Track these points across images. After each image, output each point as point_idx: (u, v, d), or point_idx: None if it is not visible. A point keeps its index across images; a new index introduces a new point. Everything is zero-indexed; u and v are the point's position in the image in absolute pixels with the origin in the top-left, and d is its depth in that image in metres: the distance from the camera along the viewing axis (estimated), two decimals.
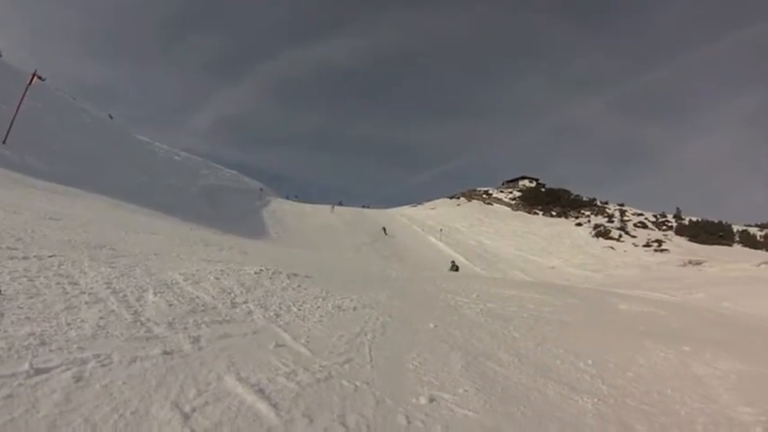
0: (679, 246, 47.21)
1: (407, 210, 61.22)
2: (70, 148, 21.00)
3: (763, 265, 19.32)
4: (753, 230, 55.88)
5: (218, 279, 4.98)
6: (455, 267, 21.47)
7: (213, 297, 4.27)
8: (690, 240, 51.35)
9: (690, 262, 32.78)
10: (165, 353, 2.73)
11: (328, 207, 46.76)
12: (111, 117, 41.63)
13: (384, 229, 39.07)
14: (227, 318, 3.77)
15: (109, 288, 3.81)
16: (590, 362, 4.24)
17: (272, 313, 4.18)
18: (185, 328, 3.26)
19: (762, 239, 51.97)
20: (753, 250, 47.18)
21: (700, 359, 4.64)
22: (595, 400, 3.32)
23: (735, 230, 55.05)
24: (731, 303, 10.79)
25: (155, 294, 3.92)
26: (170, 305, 3.74)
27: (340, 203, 56.68)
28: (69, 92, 38.45)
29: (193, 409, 2.15)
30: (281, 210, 40.80)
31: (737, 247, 49.71)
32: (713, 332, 6.56)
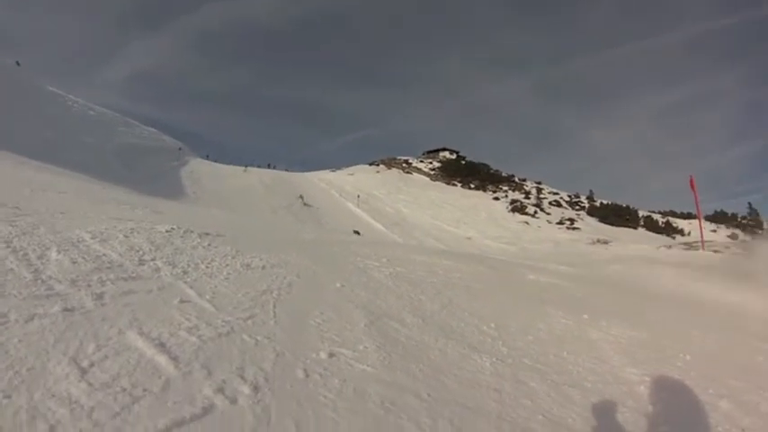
0: (589, 225, 50.22)
1: (326, 174, 61.13)
2: None
3: (661, 248, 20.93)
4: (656, 217, 60.38)
5: (127, 237, 4.83)
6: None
7: (120, 255, 4.15)
8: (600, 221, 54.67)
9: (598, 240, 34.88)
10: (66, 310, 2.69)
11: (250, 169, 46.45)
12: (18, 64, 38.09)
13: (302, 197, 38.83)
14: (134, 275, 3.69)
15: (8, 247, 3.67)
16: (492, 325, 4.43)
17: (179, 270, 4.11)
18: (89, 286, 3.19)
19: (663, 225, 56.29)
20: (655, 234, 51.07)
21: (596, 326, 4.97)
22: (494, 359, 3.50)
23: (640, 215, 59.17)
24: (630, 279, 11.65)
25: (58, 252, 3.77)
26: (74, 263, 3.62)
27: (269, 166, 56.21)
28: None
29: (92, 364, 2.18)
30: (200, 170, 40.19)
31: (642, 231, 53.54)
32: (611, 303, 7.08)
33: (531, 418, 2.64)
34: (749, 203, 68.43)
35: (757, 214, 62.95)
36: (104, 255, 4.05)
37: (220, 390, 2.19)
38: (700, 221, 23.11)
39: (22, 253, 3.59)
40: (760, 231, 53.65)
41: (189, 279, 3.92)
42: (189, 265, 4.35)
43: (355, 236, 13.90)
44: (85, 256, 3.85)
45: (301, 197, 38.78)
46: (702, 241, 18.86)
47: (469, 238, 33.43)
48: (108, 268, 3.69)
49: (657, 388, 3.43)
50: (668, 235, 51.66)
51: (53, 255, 3.70)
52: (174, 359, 2.38)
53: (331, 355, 2.92)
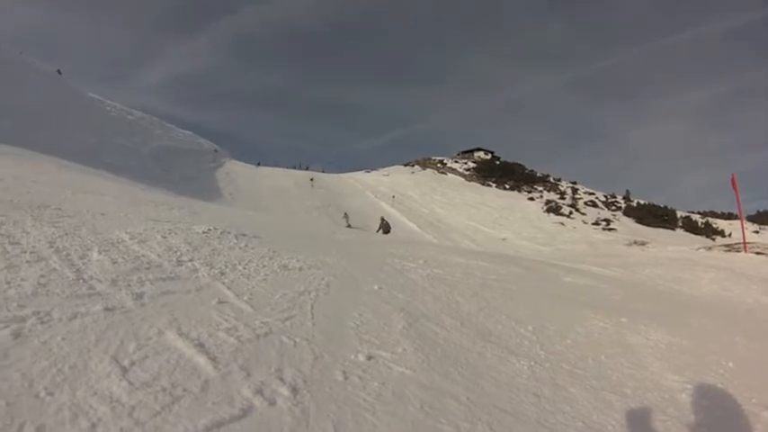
0: (626, 226, 49.06)
1: (361, 175, 61.34)
2: (14, 106, 20.02)
3: (701, 250, 20.29)
4: (695, 217, 58.60)
5: (165, 238, 4.91)
6: (385, 228, 21.28)
7: (159, 255, 4.22)
8: (636, 222, 53.38)
9: (635, 242, 34.06)
10: (107, 309, 2.74)
11: (288, 171, 47.83)
12: (59, 72, 39.41)
13: (312, 179, 40.36)
14: (172, 275, 3.74)
15: (52, 247, 3.75)
16: (530, 328, 4.39)
17: (216, 271, 4.15)
18: (128, 285, 3.25)
19: (702, 226, 54.63)
20: (693, 235, 49.56)
21: (634, 330, 4.87)
22: (532, 363, 3.47)
23: (678, 216, 57.58)
24: (669, 282, 11.35)
25: (99, 253, 3.85)
26: (114, 263, 3.69)
27: (307, 168, 57.60)
28: (9, 41, 36.37)
29: (132, 363, 2.21)
30: (235, 171, 40.90)
31: (680, 232, 52.05)
32: (650, 306, 6.90)
33: (570, 424, 2.61)
34: None
35: None
36: (143, 255, 4.12)
37: (259, 391, 2.21)
38: (741, 222, 22.26)
39: (64, 253, 3.68)
40: None
41: (226, 280, 3.96)
42: (226, 266, 4.40)
43: (391, 236, 13.90)
44: (125, 257, 3.93)
45: (311, 180, 39.97)
46: (744, 243, 18.20)
47: (504, 239, 33.08)
48: (147, 268, 3.76)
49: (699, 396, 3.34)
50: (708, 236, 50.08)
51: (94, 255, 3.79)
52: (213, 360, 2.41)
53: (369, 357, 2.93)
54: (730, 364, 4.16)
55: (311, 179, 41.02)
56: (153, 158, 31.97)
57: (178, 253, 4.47)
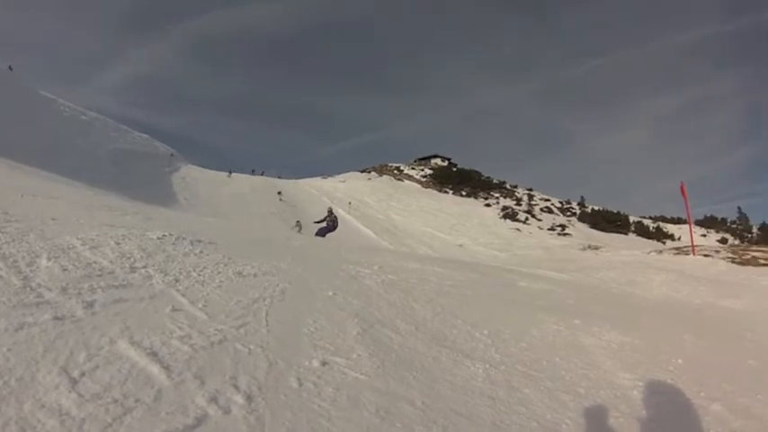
0: (581, 231, 50.57)
1: (317, 181, 61.21)
2: None
3: (652, 253, 21.06)
4: (647, 222, 60.93)
5: (118, 244, 4.75)
6: (330, 223, 20.43)
7: (111, 262, 4.09)
8: (591, 227, 55.07)
9: (589, 246, 34.99)
10: (56, 318, 2.65)
11: (241, 175, 47.26)
12: (10, 69, 37.82)
13: (279, 193, 39.80)
14: (125, 282, 3.64)
15: None
16: (485, 332, 4.45)
17: (171, 278, 4.06)
18: (79, 293, 3.14)
19: (653, 230, 56.74)
20: (645, 240, 51.53)
21: (588, 331, 5.02)
22: (487, 366, 3.53)
23: (631, 221, 59.63)
24: (621, 284, 11.74)
25: (48, 259, 3.70)
26: (64, 270, 3.55)
27: (262, 173, 57.04)
28: None
29: (82, 374, 2.16)
30: (192, 176, 40.30)
31: (632, 236, 54.00)
32: (603, 308, 7.12)
33: (524, 424, 2.66)
34: (738, 208, 69.33)
35: (746, 218, 63.74)
36: (95, 262, 3.99)
37: (213, 399, 2.18)
38: (690, 226, 23.32)
39: (11, 260, 3.52)
40: (748, 235, 54.26)
41: (181, 287, 3.88)
42: (181, 273, 4.31)
43: (346, 243, 13.82)
44: (76, 264, 3.79)
45: (279, 193, 39.41)
46: (693, 246, 18.97)
47: (461, 245, 33.48)
48: (99, 276, 3.64)
49: (650, 392, 3.47)
50: (659, 240, 52.10)
51: (43, 262, 3.64)
52: (167, 368, 2.36)
53: (324, 363, 2.92)
54: (680, 361, 4.34)
55: (279, 192, 40.36)
56: (108, 161, 31.14)
57: (132, 259, 4.35)
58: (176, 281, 4.03)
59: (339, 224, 19.68)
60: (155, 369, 2.33)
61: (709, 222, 66.01)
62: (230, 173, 49.08)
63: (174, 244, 5.47)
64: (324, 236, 18.13)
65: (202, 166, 50.07)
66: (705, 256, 17.53)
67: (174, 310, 3.26)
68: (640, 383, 3.62)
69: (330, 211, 20.45)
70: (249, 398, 2.28)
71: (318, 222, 19.85)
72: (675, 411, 3.38)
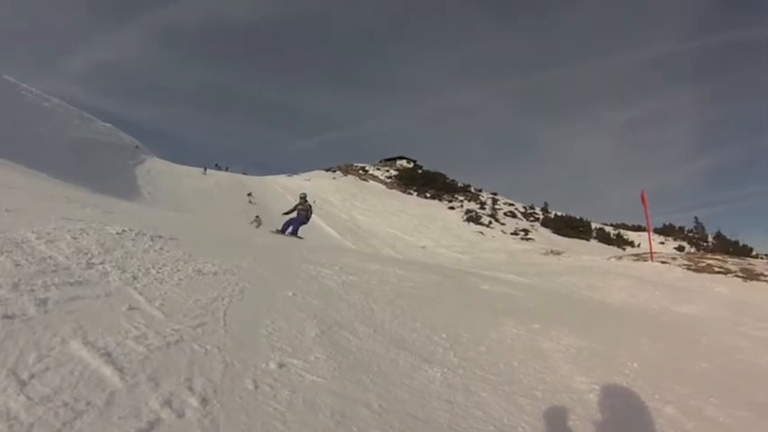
0: (543, 236, 51.38)
1: (282, 179, 60.83)
2: None
3: (612, 259, 21.60)
4: (608, 229, 62.38)
5: (75, 238, 4.63)
6: (302, 214, 18.62)
7: (67, 257, 3.98)
8: (553, 232, 56.02)
9: (551, 251, 35.57)
10: (6, 317, 2.56)
11: (214, 172, 46.45)
12: None
13: (249, 194, 39.09)
14: (80, 279, 3.54)
15: None
16: (444, 335, 4.48)
17: (129, 275, 3.97)
18: (32, 290, 3.03)
19: (614, 237, 58.18)
20: (606, 246, 52.71)
21: (547, 335, 5.10)
22: (445, 369, 3.55)
23: (593, 227, 60.95)
24: (581, 289, 12.00)
25: (0, 254, 3.56)
26: (17, 265, 3.43)
27: (227, 169, 56.47)
28: None
29: (32, 376, 2.10)
30: (156, 169, 39.62)
31: (594, 242, 55.17)
32: (563, 313, 7.25)
33: (481, 428, 2.69)
34: (695, 218, 71.62)
35: (703, 228, 66.00)
36: (50, 257, 3.88)
37: (167, 402, 2.14)
38: (649, 234, 24.12)
39: None
40: (704, 244, 56.20)
41: (138, 284, 3.80)
42: (139, 270, 4.22)
43: (309, 242, 13.59)
44: (30, 259, 3.67)
45: (250, 194, 38.83)
46: (651, 253, 19.54)
47: (424, 247, 33.63)
48: (53, 272, 3.53)
49: (606, 395, 3.56)
50: (619, 246, 53.35)
51: None
52: (120, 370, 2.31)
53: (281, 365, 2.90)
54: (635, 365, 4.46)
55: (249, 194, 39.44)
56: (70, 151, 30.29)
57: (89, 255, 4.23)
58: (134, 278, 3.95)
59: (309, 226, 17.29)
60: (108, 371, 2.28)
61: (667, 230, 68.03)
62: (205, 170, 48.48)
63: (133, 239, 5.37)
64: (295, 232, 15.37)
65: (168, 160, 49.34)
66: (662, 262, 18.08)
67: (130, 308, 3.20)
68: (597, 387, 3.71)
69: (303, 198, 16.46)
70: (204, 400, 2.25)
71: (288, 213, 16.27)
72: (630, 414, 3.48)
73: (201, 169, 48.83)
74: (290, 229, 15.52)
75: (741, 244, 43.02)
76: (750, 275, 15.51)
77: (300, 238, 14.95)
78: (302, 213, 15.87)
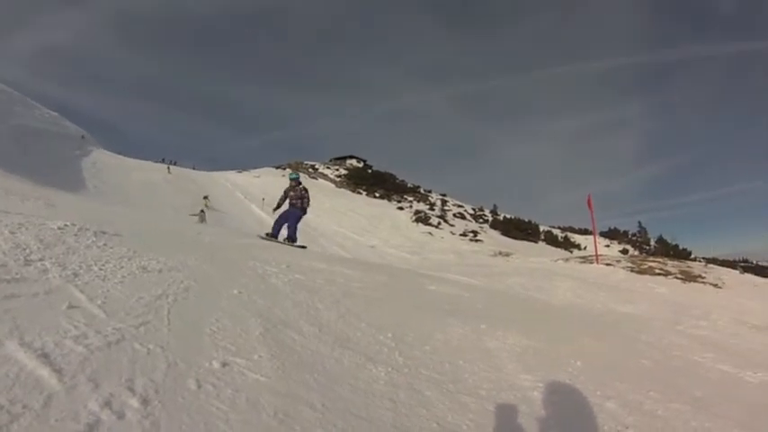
0: (492, 238, 52.32)
1: (232, 175, 60.05)
2: None
3: (559, 261, 22.21)
4: (555, 231, 64.24)
5: (13, 234, 4.48)
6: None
7: (4, 253, 3.86)
8: (502, 234, 57.15)
9: (500, 253, 36.30)
10: None
11: (157, 165, 45.14)
12: None
13: (206, 197, 37.91)
14: (18, 276, 3.43)
15: None
16: (390, 335, 4.51)
17: (69, 272, 3.86)
18: None
19: (562, 239, 59.91)
20: (554, 248, 54.23)
21: (493, 335, 5.20)
22: (389, 369, 3.59)
23: (541, 230, 62.56)
24: (529, 290, 12.29)
25: None
26: None
27: (174, 163, 55.50)
28: None
29: None
30: (103, 162, 38.37)
31: (542, 244, 56.66)
32: (509, 313, 7.43)
33: (425, 426, 2.73)
34: (639, 222, 74.75)
35: (646, 232, 68.85)
36: None
37: (107, 404, 2.11)
38: (594, 237, 24.99)
39: None
40: (647, 247, 58.56)
41: (80, 282, 3.70)
42: (81, 267, 4.11)
43: (257, 240, 13.24)
44: None
45: (206, 198, 37.77)
46: (597, 255, 20.19)
47: (373, 247, 33.75)
48: None
49: (549, 393, 3.68)
50: (566, 249, 54.99)
51: None
52: (58, 371, 2.25)
53: (224, 364, 2.89)
54: (578, 363, 4.61)
55: (205, 197, 37.57)
56: (10, 139, 28.92)
57: (27, 251, 4.10)
58: (75, 275, 3.85)
59: (252, 222, 14.16)
60: (45, 372, 2.22)
61: (612, 234, 70.72)
62: (169, 168, 47.38)
63: (76, 235, 5.24)
64: (292, 236, 12.46)
65: (115, 152, 47.92)
66: (607, 265, 18.71)
67: (70, 307, 3.11)
68: (541, 384, 3.82)
69: (296, 181, 13.49)
70: (145, 401, 2.22)
71: (277, 208, 13.39)
72: (572, 409, 3.62)
73: (150, 162, 47.75)
74: (285, 231, 12.59)
75: (681, 248, 44.92)
76: (688, 277, 16.27)
77: (303, 247, 12.07)
78: (296, 203, 12.83)
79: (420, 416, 2.85)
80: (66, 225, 5.45)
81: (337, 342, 3.97)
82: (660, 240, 55.83)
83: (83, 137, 43.79)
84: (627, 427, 3.25)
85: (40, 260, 3.98)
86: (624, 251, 54.95)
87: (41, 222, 5.30)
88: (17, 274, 3.49)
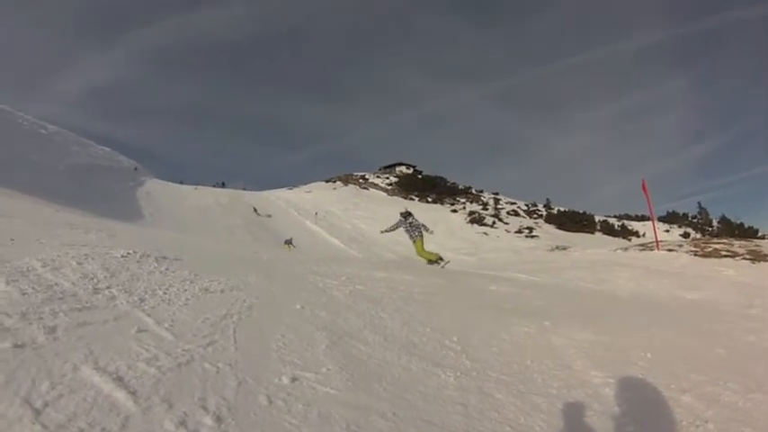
0: (548, 233, 51.24)
1: (284, 192, 60.84)
2: None
3: (618, 251, 21.49)
4: (612, 220, 62.32)
5: (80, 264, 4.65)
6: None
7: (73, 283, 3.99)
8: (557, 228, 55.88)
9: (557, 247, 35.55)
10: (16, 346, 2.56)
11: (204, 188, 47.11)
12: None
13: (255, 209, 38.89)
14: (88, 305, 3.55)
15: None
16: (455, 339, 4.47)
17: (136, 298, 3.98)
18: (40, 318, 3.04)
19: (618, 228, 58.10)
20: (611, 237, 52.59)
21: (557, 332, 5.08)
22: (458, 373, 3.53)
23: (596, 220, 60.88)
24: (590, 283, 11.92)
25: (7, 283, 3.58)
26: (24, 294, 3.44)
27: (223, 184, 57.07)
28: None
29: (46, 404, 2.11)
30: (156, 190, 39.50)
31: (599, 235, 55.03)
32: (572, 308, 7.23)
33: (498, 430, 2.67)
34: (698, 203, 71.58)
35: (707, 213, 65.83)
36: (56, 284, 3.89)
37: (182, 423, 2.15)
38: (653, 222, 23.96)
39: None
40: (709, 229, 56.06)
41: (146, 307, 3.81)
42: (146, 292, 4.22)
43: (315, 254, 13.39)
44: (36, 287, 3.68)
45: (255, 209, 38.62)
46: (657, 241, 19.43)
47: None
48: (60, 299, 3.55)
49: (621, 388, 3.54)
50: (624, 237, 53.24)
51: (1, 286, 3.53)
52: (133, 394, 2.31)
53: (293, 379, 2.91)
54: (649, 355, 4.43)
55: (255, 209, 39.18)
56: (69, 177, 30.23)
57: (95, 280, 4.25)
58: (141, 300, 3.96)
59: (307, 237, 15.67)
60: (121, 395, 2.28)
61: (671, 218, 67.94)
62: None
63: (138, 262, 5.39)
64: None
65: (167, 180, 49.55)
66: (669, 250, 17.98)
67: (139, 331, 3.20)
68: (612, 380, 3.68)
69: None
70: (219, 419, 2.25)
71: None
72: (647, 405, 3.46)
73: (201, 186, 49.26)
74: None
75: (747, 226, 42.80)
76: (758, 257, 15.39)
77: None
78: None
79: (492, 419, 2.80)
80: (128, 253, 5.63)
81: (403, 349, 3.95)
82: (723, 220, 53.45)
83: (135, 168, 45.22)
84: (706, 422, 3.07)
85: (108, 288, 4.11)
86: (685, 235, 52.87)
87: (105, 252, 5.48)
88: (87, 302, 3.62)
